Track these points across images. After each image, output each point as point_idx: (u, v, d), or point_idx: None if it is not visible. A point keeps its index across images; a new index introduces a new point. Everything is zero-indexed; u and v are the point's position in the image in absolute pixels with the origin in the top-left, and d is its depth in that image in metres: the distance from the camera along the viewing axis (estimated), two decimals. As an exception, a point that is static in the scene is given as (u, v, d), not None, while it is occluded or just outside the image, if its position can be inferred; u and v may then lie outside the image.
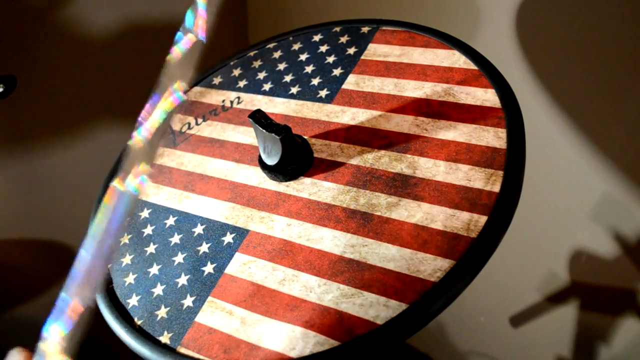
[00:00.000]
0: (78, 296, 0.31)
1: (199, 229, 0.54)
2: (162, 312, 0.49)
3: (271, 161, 0.54)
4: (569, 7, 0.75)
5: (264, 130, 0.50)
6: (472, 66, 0.57)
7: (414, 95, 0.56)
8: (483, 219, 0.44)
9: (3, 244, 1.00)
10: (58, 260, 1.09)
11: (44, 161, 0.99)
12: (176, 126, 0.66)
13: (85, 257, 0.32)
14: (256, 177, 0.56)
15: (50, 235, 1.06)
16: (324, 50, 0.66)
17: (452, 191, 0.47)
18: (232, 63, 0.71)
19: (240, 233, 0.52)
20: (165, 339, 0.47)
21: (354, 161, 0.53)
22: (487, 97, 0.53)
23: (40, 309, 1.05)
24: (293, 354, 0.42)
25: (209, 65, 0.73)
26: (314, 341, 0.42)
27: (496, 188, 0.46)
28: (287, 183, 0.54)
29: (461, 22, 0.89)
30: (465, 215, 0.45)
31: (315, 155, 0.55)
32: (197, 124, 0.65)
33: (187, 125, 0.65)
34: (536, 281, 1.02)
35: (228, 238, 0.52)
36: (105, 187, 0.63)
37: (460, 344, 1.29)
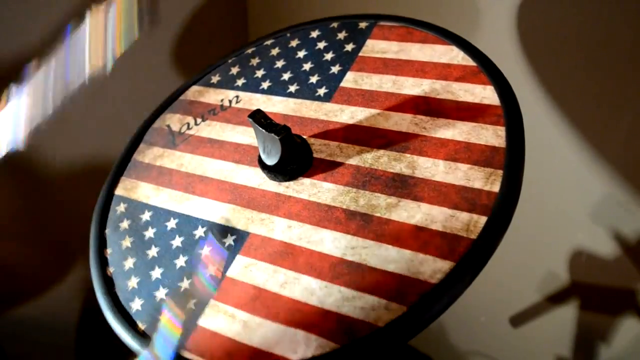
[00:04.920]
0: None
1: (200, 232, 0.54)
2: (162, 315, 0.49)
3: (271, 161, 0.53)
4: (569, 4, 0.75)
5: (263, 130, 0.50)
6: (470, 62, 0.56)
7: (412, 93, 0.56)
8: (483, 219, 0.44)
9: (3, 244, 0.99)
10: (58, 260, 1.08)
11: (45, 160, 0.99)
12: (175, 126, 0.66)
13: None
14: (256, 179, 0.56)
15: (50, 236, 1.06)
16: (321, 47, 0.66)
17: (452, 191, 0.47)
18: (230, 61, 0.71)
19: (241, 235, 0.52)
20: (165, 341, 0.47)
21: (353, 161, 0.53)
22: (486, 94, 0.53)
23: (40, 309, 1.05)
24: (295, 358, 0.42)
25: (209, 63, 0.73)
26: (316, 344, 0.42)
27: (496, 188, 0.46)
28: (287, 184, 0.54)
29: (459, 17, 0.89)
30: (464, 216, 0.45)
31: (315, 155, 0.55)
32: (196, 124, 0.65)
33: (186, 126, 0.65)
34: (536, 281, 1.02)
35: (229, 240, 0.52)
36: (107, 190, 0.63)
37: (460, 344, 1.28)
